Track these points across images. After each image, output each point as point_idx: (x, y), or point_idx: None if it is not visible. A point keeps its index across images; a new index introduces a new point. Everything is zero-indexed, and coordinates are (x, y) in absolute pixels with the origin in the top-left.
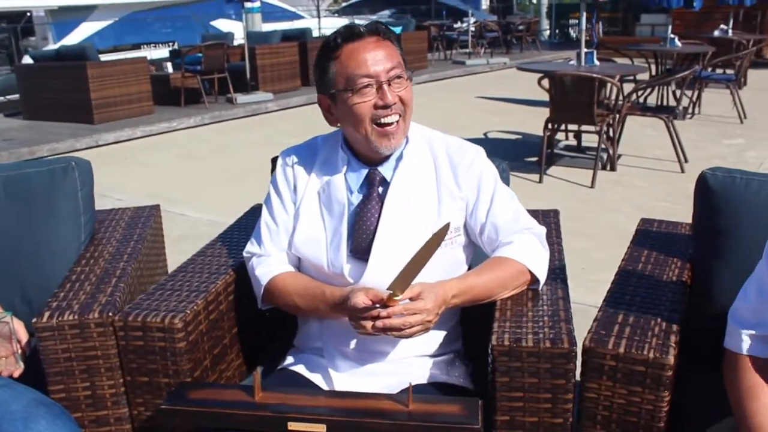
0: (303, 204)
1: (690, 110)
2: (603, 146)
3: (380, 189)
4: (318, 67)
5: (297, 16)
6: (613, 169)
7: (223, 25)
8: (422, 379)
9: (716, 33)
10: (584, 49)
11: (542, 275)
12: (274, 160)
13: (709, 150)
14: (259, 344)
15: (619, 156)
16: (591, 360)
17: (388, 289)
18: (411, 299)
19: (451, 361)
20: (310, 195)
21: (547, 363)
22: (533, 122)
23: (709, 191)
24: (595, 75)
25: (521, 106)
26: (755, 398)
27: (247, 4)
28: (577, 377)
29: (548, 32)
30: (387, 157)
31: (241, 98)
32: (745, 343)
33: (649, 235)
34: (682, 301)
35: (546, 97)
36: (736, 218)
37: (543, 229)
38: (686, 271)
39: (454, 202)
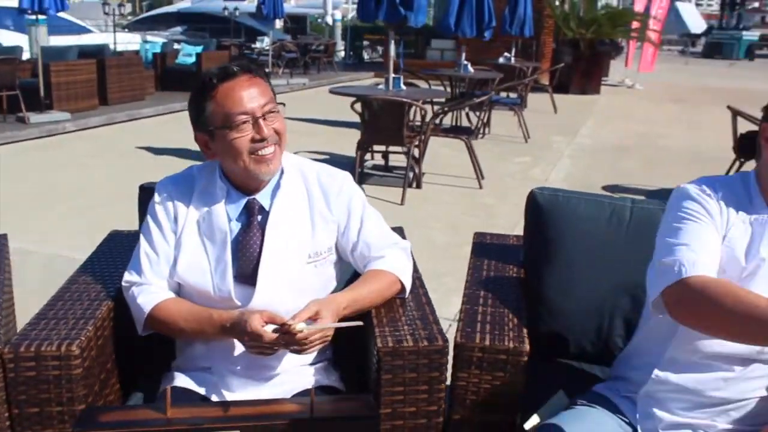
0: (184, 233)
1: (481, 131)
2: (410, 165)
3: (259, 217)
4: (194, 107)
5: (85, 30)
6: (419, 186)
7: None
8: (308, 384)
9: (501, 60)
10: (392, 75)
11: (409, 285)
12: (143, 188)
13: (500, 168)
14: (136, 368)
15: (423, 174)
16: (462, 353)
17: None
18: (312, 318)
19: (326, 368)
20: (191, 224)
21: (425, 359)
22: (339, 142)
23: (538, 207)
24: (404, 99)
25: (326, 126)
26: (740, 291)
27: (39, 17)
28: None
29: (343, 54)
30: (264, 187)
31: (34, 118)
32: (692, 265)
33: (485, 247)
34: (523, 299)
35: (350, 117)
36: (560, 229)
37: (408, 244)
38: (521, 275)
39: (327, 225)
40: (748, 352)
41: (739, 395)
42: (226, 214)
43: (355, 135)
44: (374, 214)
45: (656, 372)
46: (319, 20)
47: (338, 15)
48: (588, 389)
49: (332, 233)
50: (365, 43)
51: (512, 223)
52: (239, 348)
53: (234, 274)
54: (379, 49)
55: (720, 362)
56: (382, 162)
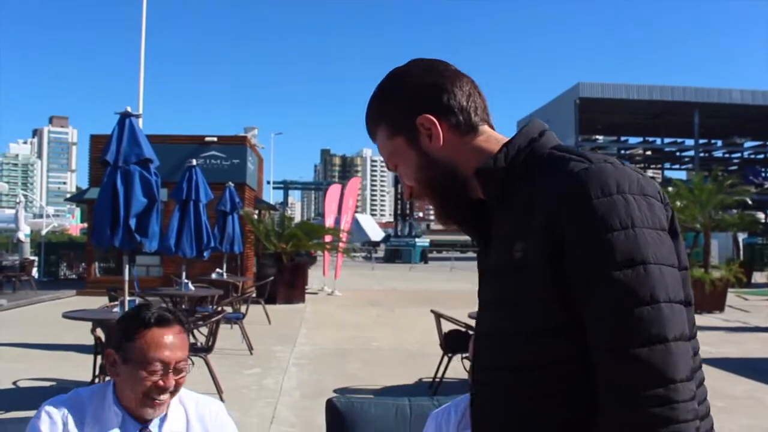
0: None
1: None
2: None
3: None
4: (122, 332)
5: None
6: None
7: None
8: None
9: (214, 276)
10: (128, 297)
11: None
12: None
13: (235, 381)
14: None
15: None
16: None
17: None
18: None
19: None
20: None
21: None
22: (64, 367)
23: (337, 412)
24: None
25: (43, 351)
26: None
27: None
28: None
29: (36, 271)
30: (155, 416)
31: None
32: None
33: None
34: None
35: (71, 340)
36: (357, 430)
37: None
38: None
39: None
40: None
41: None
42: None
43: (79, 358)
44: None
45: None
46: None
47: (28, 230)
48: None
49: None
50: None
51: None
52: None
53: None
54: (82, 266)
55: None
56: None
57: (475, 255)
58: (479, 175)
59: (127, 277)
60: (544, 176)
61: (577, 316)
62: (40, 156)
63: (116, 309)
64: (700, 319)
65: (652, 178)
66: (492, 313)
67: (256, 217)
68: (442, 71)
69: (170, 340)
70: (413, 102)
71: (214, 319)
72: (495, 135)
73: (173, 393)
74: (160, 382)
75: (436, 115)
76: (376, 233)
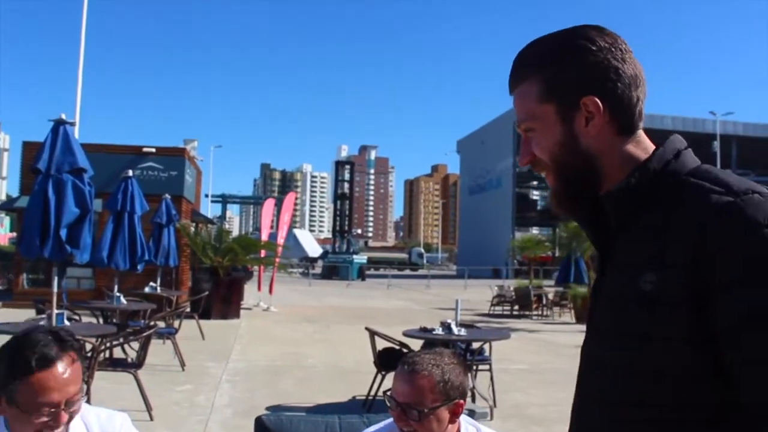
0: None
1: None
2: None
3: None
4: (3, 371)
5: None
6: None
7: None
8: None
9: (147, 289)
10: (56, 310)
11: None
12: None
13: (166, 397)
14: None
15: None
16: None
17: None
18: None
19: None
20: None
21: None
22: None
23: (266, 429)
24: (77, 337)
25: None
26: None
27: None
28: None
29: None
30: None
31: None
32: None
33: None
34: None
35: None
36: None
37: None
38: None
39: None
40: None
41: None
42: None
43: None
44: None
45: None
46: None
47: None
48: None
49: None
50: None
51: None
52: None
53: None
54: (9, 277)
55: None
56: None
57: (411, 273)
58: (608, 198)
59: (56, 290)
60: (683, 206)
61: (717, 361)
62: None
63: (43, 322)
64: None
65: None
66: (610, 344)
67: (192, 230)
68: (625, 56)
69: (58, 380)
70: (587, 77)
71: (144, 334)
72: (645, 142)
73: (69, 423)
74: (51, 423)
75: (603, 102)
76: (313, 249)
